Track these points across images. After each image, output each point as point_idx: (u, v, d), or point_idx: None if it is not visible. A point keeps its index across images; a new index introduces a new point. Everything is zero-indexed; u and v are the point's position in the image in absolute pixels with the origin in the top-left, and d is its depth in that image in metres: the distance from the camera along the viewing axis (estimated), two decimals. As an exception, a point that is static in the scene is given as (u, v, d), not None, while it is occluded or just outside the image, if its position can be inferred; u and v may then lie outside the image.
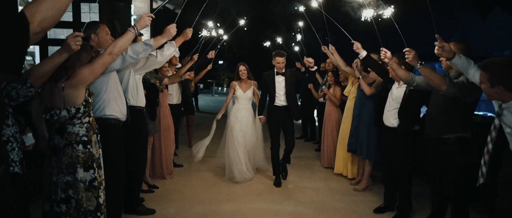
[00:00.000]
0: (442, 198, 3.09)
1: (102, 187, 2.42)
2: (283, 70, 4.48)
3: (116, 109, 2.87)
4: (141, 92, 3.40)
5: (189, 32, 3.22)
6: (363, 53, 3.51)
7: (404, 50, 2.83)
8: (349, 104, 4.61)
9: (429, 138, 2.99)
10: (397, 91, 3.49)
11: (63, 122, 2.32)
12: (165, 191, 4.26)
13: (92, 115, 2.49)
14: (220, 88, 31.48)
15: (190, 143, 6.35)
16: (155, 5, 9.67)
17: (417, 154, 3.46)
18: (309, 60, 4.22)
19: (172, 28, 3.00)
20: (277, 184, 4.56)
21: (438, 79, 2.63)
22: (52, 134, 2.36)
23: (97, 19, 11.45)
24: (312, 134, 7.46)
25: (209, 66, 5.85)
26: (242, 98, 4.83)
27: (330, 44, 4.36)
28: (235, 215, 3.63)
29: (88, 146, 2.35)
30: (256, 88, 4.92)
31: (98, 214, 2.37)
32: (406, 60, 2.79)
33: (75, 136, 2.33)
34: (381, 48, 3.17)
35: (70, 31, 9.17)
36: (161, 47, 3.14)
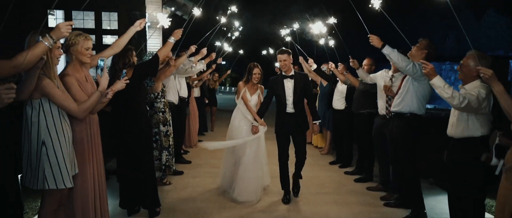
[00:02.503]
0: (362, 151, 5.18)
1: (171, 135, 4.55)
2: (292, 73, 4.03)
3: (172, 96, 5.01)
4: (184, 87, 5.54)
5: (214, 55, 5.36)
6: (314, 66, 5.53)
7: (338, 64, 4.97)
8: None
9: (354, 112, 5.09)
10: (341, 87, 5.60)
11: (152, 101, 4.45)
12: (194, 153, 6.40)
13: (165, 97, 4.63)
14: (222, 87, 33.33)
15: (212, 128, 8.73)
16: (165, 12, 11.58)
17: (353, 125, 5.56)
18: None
19: (204, 50, 5.14)
20: (286, 201, 4.07)
21: (354, 80, 4.77)
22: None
23: (116, 27, 13.41)
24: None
25: (228, 71, 8.19)
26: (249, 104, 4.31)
27: (300, 57, 6.26)
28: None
29: (165, 114, 4.48)
30: (262, 93, 4.46)
31: (170, 150, 4.51)
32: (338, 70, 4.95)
33: (158, 108, 4.45)
34: (328, 62, 5.29)
35: (93, 37, 10.93)
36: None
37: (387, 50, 3.32)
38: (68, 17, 10.32)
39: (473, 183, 2.80)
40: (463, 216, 2.95)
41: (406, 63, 3.28)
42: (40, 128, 2.38)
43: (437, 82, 2.83)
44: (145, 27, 9.68)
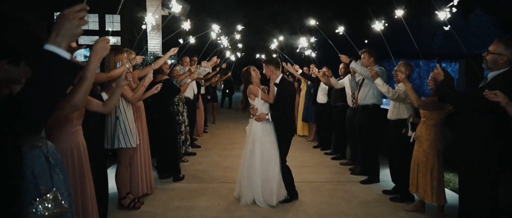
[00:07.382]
0: (338, 136, 6.51)
1: (184, 123, 5.85)
2: (277, 80, 4.14)
3: (189, 93, 6.31)
4: (195, 85, 6.84)
5: (217, 60, 6.66)
6: (299, 71, 6.90)
7: (321, 71, 6.31)
8: (302, 93, 8.10)
9: (332, 105, 6.43)
10: (324, 85, 6.93)
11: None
12: (201, 141, 7.71)
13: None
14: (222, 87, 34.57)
15: (214, 120, 10.05)
16: (163, 13, 12.51)
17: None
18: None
19: (215, 58, 6.44)
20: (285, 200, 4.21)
21: (334, 82, 6.08)
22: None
23: (119, 29, 14.18)
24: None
25: (230, 73, 9.49)
26: (263, 105, 4.20)
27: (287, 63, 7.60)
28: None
29: (178, 106, 5.76)
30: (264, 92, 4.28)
31: (184, 133, 5.82)
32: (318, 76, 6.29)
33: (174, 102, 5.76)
34: (310, 67, 6.62)
35: (97, 37, 11.78)
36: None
37: (352, 64, 4.66)
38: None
39: (401, 148, 4.12)
40: (396, 173, 4.30)
41: (367, 72, 4.55)
42: (116, 108, 3.67)
43: (378, 81, 4.16)
44: (146, 29, 10.77)
